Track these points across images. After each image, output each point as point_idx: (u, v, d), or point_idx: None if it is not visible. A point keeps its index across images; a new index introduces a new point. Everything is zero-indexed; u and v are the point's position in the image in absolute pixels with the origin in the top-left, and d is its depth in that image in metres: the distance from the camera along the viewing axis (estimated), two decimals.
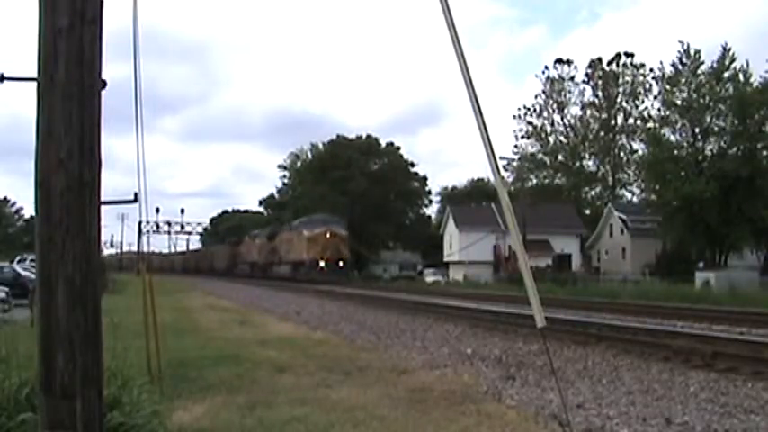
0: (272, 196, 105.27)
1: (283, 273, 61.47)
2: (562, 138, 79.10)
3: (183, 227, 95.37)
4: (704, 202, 41.84)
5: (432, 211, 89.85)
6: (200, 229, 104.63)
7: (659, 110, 51.27)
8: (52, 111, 3.52)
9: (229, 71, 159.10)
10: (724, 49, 45.05)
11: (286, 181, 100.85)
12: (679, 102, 46.44)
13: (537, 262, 46.36)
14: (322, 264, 53.71)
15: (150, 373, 8.09)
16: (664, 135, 47.59)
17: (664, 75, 48.12)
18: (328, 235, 54.81)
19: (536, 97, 79.06)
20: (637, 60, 74.44)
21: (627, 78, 75.24)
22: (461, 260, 62.66)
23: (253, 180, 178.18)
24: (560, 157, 78.20)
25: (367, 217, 75.23)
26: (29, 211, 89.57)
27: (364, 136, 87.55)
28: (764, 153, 43.99)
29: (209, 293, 37.90)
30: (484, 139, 4.48)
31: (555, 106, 78.56)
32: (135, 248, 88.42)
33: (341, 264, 54.86)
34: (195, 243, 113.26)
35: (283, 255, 63.02)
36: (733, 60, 44.81)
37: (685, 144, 46.72)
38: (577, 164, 77.74)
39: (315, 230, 55.41)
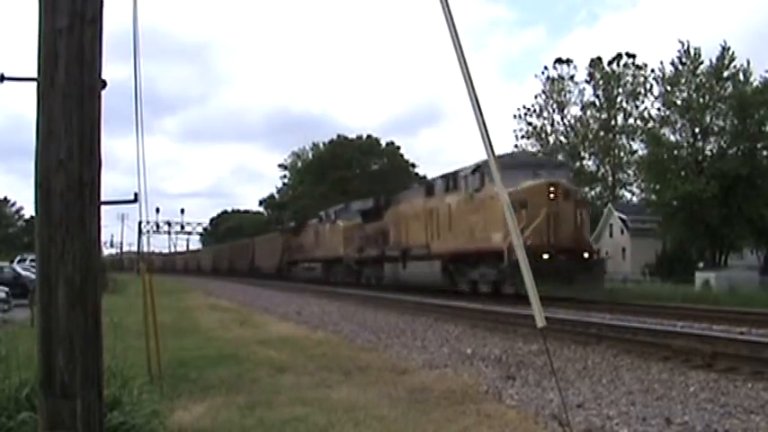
0: (272, 196, 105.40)
1: (420, 278, 30.28)
2: (562, 138, 79.10)
3: (183, 227, 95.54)
4: (704, 201, 41.81)
5: None
6: (200, 229, 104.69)
7: (659, 110, 51.27)
8: (52, 111, 3.52)
9: (229, 71, 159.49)
10: (723, 48, 45.07)
11: (286, 181, 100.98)
12: (679, 102, 46.41)
13: None
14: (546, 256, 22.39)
15: (150, 373, 8.10)
16: (663, 135, 47.58)
17: (664, 75, 48.12)
18: (552, 193, 23.54)
19: (536, 97, 79.04)
20: (637, 61, 74.53)
21: (628, 78, 75.30)
22: None
23: (253, 180, 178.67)
24: (560, 157, 78.21)
25: None
26: (29, 211, 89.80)
27: (365, 136, 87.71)
28: (764, 153, 43.97)
29: (210, 293, 37.91)
30: (484, 139, 4.48)
31: (555, 106, 78.59)
32: (135, 248, 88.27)
33: (586, 256, 23.83)
34: (195, 243, 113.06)
35: (414, 243, 30.84)
36: (732, 59, 44.80)
37: (685, 144, 46.69)
38: (577, 164, 77.74)
39: (525, 184, 23.60)
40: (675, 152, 46.26)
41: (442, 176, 30.11)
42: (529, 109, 78.37)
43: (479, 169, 25.08)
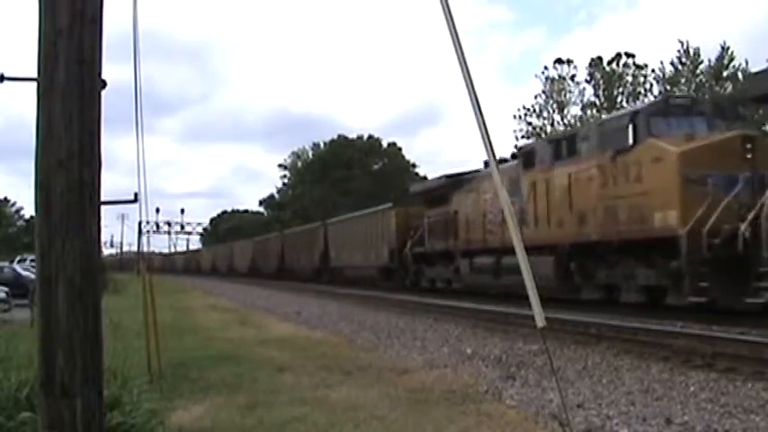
0: (272, 196, 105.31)
1: None
2: None
3: (182, 227, 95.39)
4: None
5: None
6: (200, 229, 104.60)
7: None
8: (52, 111, 3.53)
9: (229, 71, 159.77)
10: (723, 48, 45.11)
11: (286, 181, 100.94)
12: None
13: None
14: None
15: (150, 372, 8.10)
16: None
17: (664, 75, 48.20)
18: None
19: (536, 97, 78.94)
20: (637, 61, 74.48)
21: (628, 78, 75.25)
22: None
23: (253, 180, 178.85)
24: None
25: None
26: (29, 211, 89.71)
27: (365, 136, 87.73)
28: None
29: (210, 293, 37.92)
30: (484, 140, 4.48)
31: (555, 106, 78.53)
32: (135, 248, 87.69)
33: None
34: (195, 243, 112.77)
35: None
36: (732, 59, 44.86)
37: None
38: None
39: None
40: None
41: None
42: (529, 109, 78.46)
43: None
